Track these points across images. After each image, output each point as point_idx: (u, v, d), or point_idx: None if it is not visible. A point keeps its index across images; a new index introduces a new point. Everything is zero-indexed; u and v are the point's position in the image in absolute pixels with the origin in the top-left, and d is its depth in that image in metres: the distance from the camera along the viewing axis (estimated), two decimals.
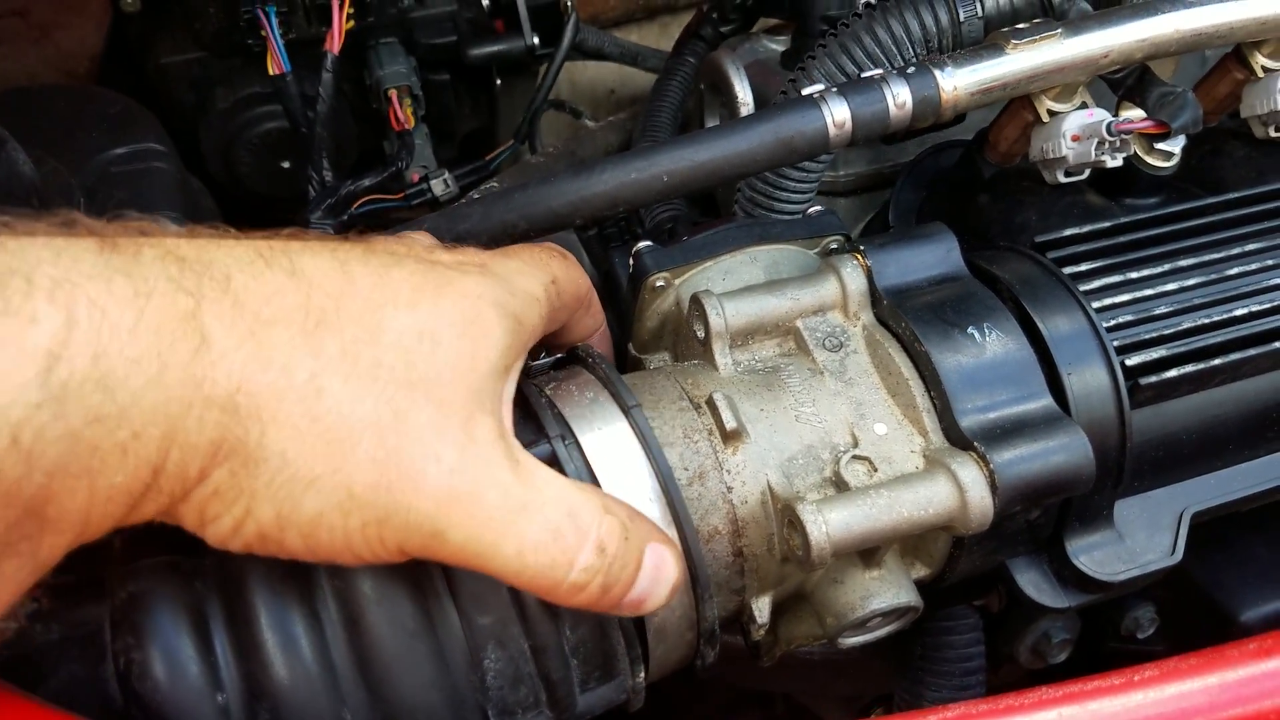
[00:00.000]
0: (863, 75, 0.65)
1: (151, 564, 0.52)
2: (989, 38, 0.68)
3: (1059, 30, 0.66)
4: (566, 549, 0.47)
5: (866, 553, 0.59)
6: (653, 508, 0.55)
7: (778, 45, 0.92)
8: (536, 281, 0.55)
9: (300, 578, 0.51)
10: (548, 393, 0.59)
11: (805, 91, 0.65)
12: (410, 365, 0.46)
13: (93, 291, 0.39)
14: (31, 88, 1.09)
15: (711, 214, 0.94)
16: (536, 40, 1.08)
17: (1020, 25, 0.67)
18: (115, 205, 0.91)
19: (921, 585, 0.62)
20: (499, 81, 1.14)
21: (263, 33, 0.99)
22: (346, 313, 0.46)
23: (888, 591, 0.59)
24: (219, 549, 0.46)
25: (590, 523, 0.48)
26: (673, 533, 0.55)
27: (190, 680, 0.50)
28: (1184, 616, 0.75)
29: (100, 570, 0.52)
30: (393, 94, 1.03)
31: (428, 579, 0.51)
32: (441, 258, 0.53)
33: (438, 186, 1.02)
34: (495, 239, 0.67)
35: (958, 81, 0.64)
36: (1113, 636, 0.77)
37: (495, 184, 0.94)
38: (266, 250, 0.46)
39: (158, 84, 1.09)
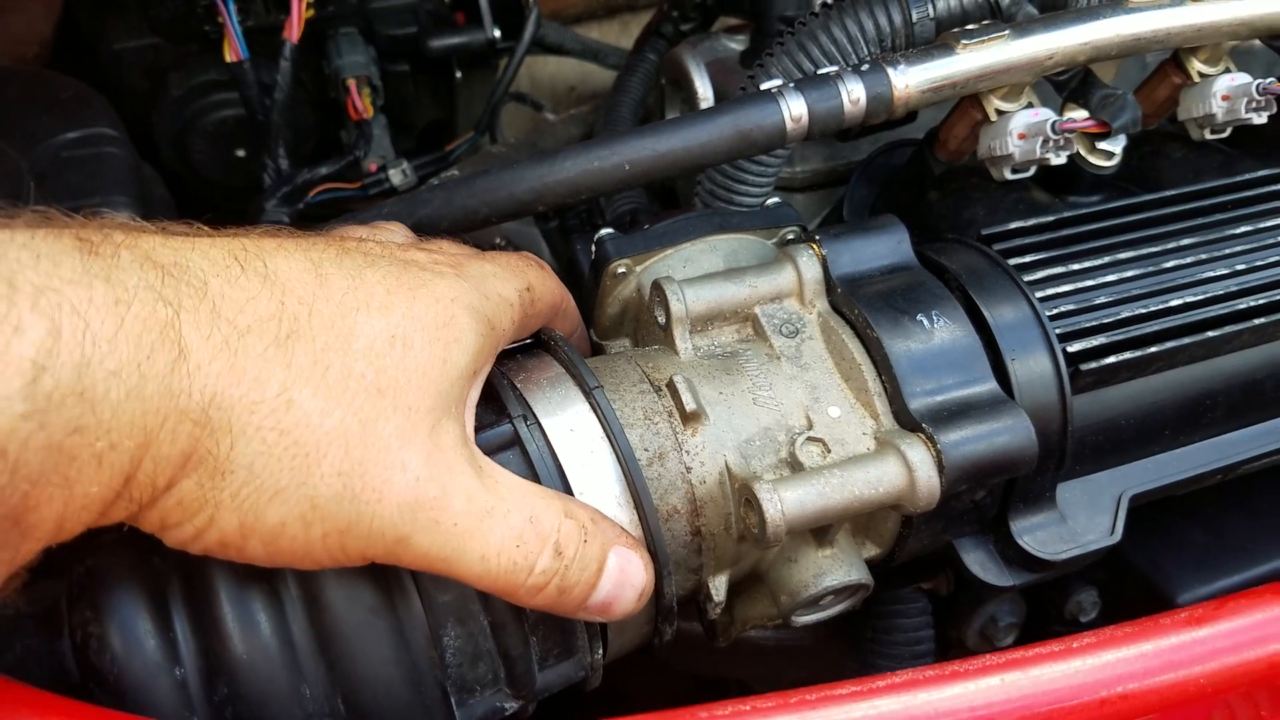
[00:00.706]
0: (819, 72, 0.67)
1: (110, 539, 0.52)
2: (940, 38, 0.70)
3: (1007, 32, 0.68)
4: (528, 554, 0.49)
5: (819, 531, 0.60)
6: (613, 487, 0.57)
7: (736, 44, 0.94)
8: (511, 287, 0.56)
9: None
10: (510, 375, 0.60)
11: (763, 86, 0.66)
12: (380, 371, 0.46)
13: (75, 298, 0.39)
14: None
15: (672, 206, 0.96)
16: (497, 33, 1.09)
17: (970, 26, 0.69)
18: (66, 190, 0.91)
19: (872, 564, 0.64)
20: (459, 74, 1.14)
21: (220, 19, 0.98)
22: (319, 318, 0.46)
23: (839, 569, 0.60)
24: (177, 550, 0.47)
25: (551, 527, 0.50)
26: (633, 511, 0.56)
27: (147, 655, 0.49)
28: (1124, 600, 0.78)
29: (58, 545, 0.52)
30: (351, 84, 1.03)
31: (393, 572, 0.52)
32: (416, 257, 0.53)
33: (395, 176, 1.02)
34: (456, 224, 0.68)
35: (909, 79, 0.66)
36: (1057, 620, 0.80)
37: (456, 172, 0.95)
38: (241, 253, 0.46)
39: (110, 70, 1.08)
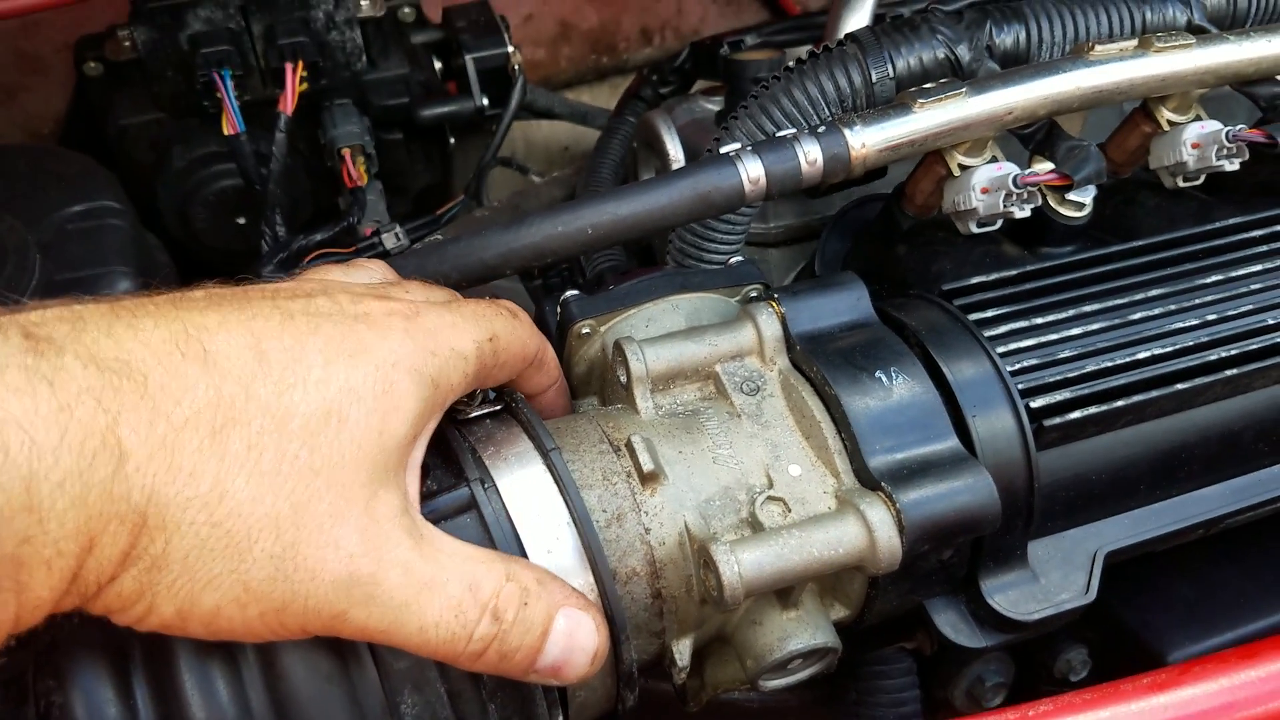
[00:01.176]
0: (777, 134, 0.68)
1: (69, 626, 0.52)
2: (898, 97, 0.71)
3: (964, 89, 0.69)
4: (466, 622, 0.49)
5: (783, 593, 0.60)
6: (570, 550, 0.57)
7: (713, 105, 0.96)
8: (468, 338, 0.55)
9: None
10: (470, 437, 0.60)
11: (723, 150, 0.67)
12: (314, 450, 0.47)
13: (19, 411, 0.40)
14: None
15: (650, 263, 0.96)
16: (486, 101, 1.11)
17: (927, 85, 0.70)
18: (70, 261, 0.94)
19: (841, 626, 0.63)
20: (452, 139, 1.17)
21: (218, 95, 1.02)
22: (256, 401, 0.46)
23: (805, 632, 0.60)
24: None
25: (490, 592, 0.50)
26: (589, 575, 0.56)
27: None
28: (1115, 658, 0.76)
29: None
30: (345, 153, 1.06)
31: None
32: (370, 309, 0.53)
33: (389, 240, 1.04)
34: None
35: (866, 139, 0.67)
36: (1046, 679, 0.78)
37: (439, 236, 0.97)
38: (183, 336, 0.47)
39: (118, 144, 1.11)
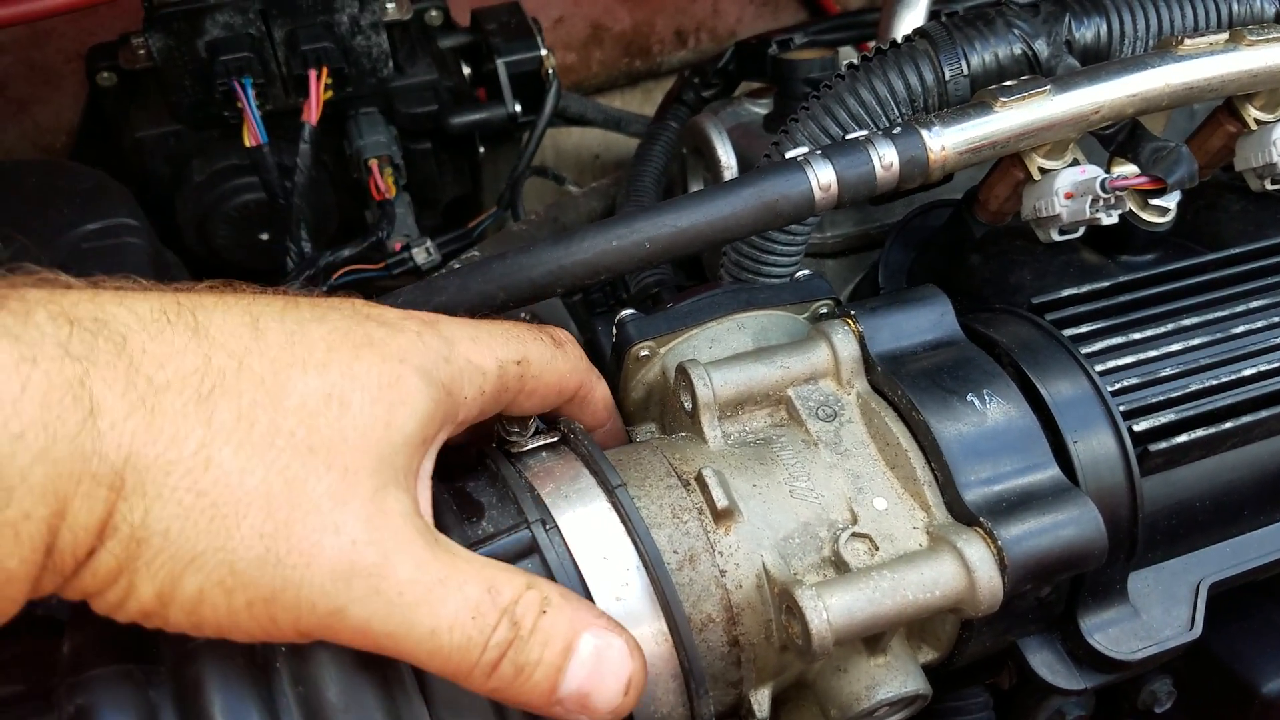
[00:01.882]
0: (848, 137, 0.63)
1: (102, 674, 0.48)
2: (976, 95, 0.66)
3: (1048, 87, 0.64)
4: (484, 627, 0.44)
5: (871, 639, 0.55)
6: (640, 594, 0.52)
7: (760, 109, 0.91)
8: (490, 354, 0.52)
9: (261, 685, 0.47)
10: (527, 474, 0.56)
11: (789, 154, 0.63)
12: (312, 430, 0.43)
13: None
14: (3, 163, 1.08)
15: (698, 278, 0.92)
16: (518, 108, 1.07)
17: (1008, 82, 0.65)
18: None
19: (929, 669, 0.59)
20: (482, 149, 1.13)
21: (239, 105, 0.98)
22: (248, 374, 0.43)
23: (894, 679, 0.55)
24: (124, 623, 0.44)
25: (510, 597, 0.45)
26: (662, 621, 0.52)
27: None
28: (1203, 689, 0.72)
29: (48, 680, 0.49)
30: (373, 164, 1.02)
31: (399, 684, 0.48)
32: (384, 314, 0.50)
33: (419, 255, 1.00)
34: (473, 310, 0.65)
35: (945, 141, 0.62)
36: (1130, 712, 0.73)
37: (476, 252, 0.93)
38: (173, 306, 0.44)
39: (134, 157, 1.07)
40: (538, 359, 0.54)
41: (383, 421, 0.45)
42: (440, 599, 0.44)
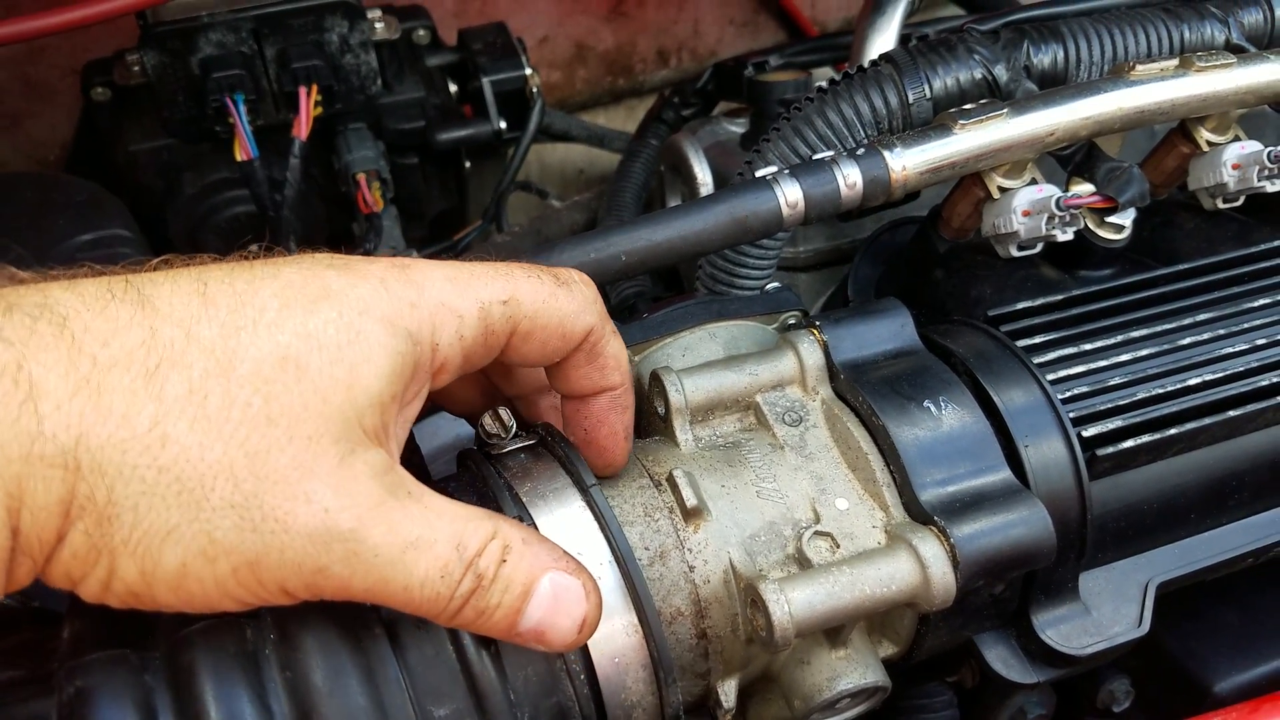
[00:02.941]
0: (814, 157, 0.67)
1: (99, 658, 0.50)
2: (937, 118, 0.69)
3: (1005, 110, 0.68)
4: (451, 582, 0.46)
5: (832, 632, 0.58)
6: (611, 588, 0.54)
7: (737, 127, 0.94)
8: (468, 295, 0.48)
9: (251, 671, 0.50)
10: (505, 474, 0.58)
11: (759, 173, 0.66)
12: (270, 399, 0.42)
13: None
14: None
15: (676, 288, 0.95)
16: (503, 125, 1.10)
17: (967, 106, 0.68)
18: None
19: (890, 663, 0.61)
20: (468, 163, 1.15)
21: (230, 120, 1.00)
22: (198, 343, 0.42)
23: (855, 671, 0.58)
24: (117, 609, 0.45)
25: (475, 550, 0.46)
26: (632, 615, 0.54)
27: None
28: (1159, 688, 0.74)
29: (48, 665, 0.51)
30: (360, 178, 1.05)
31: (381, 668, 0.50)
32: (347, 263, 0.47)
33: None
34: None
35: (906, 161, 0.65)
36: (1089, 711, 0.76)
37: None
38: (120, 284, 0.43)
39: (127, 170, 1.10)
40: (530, 297, 0.50)
41: (344, 383, 0.44)
42: (414, 559, 0.45)
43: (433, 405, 0.59)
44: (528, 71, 1.10)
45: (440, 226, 1.21)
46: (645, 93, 1.37)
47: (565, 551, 0.50)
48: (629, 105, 1.38)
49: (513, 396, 0.61)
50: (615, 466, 0.58)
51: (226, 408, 0.42)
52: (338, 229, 1.13)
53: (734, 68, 0.98)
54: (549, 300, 0.51)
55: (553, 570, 0.48)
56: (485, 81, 1.09)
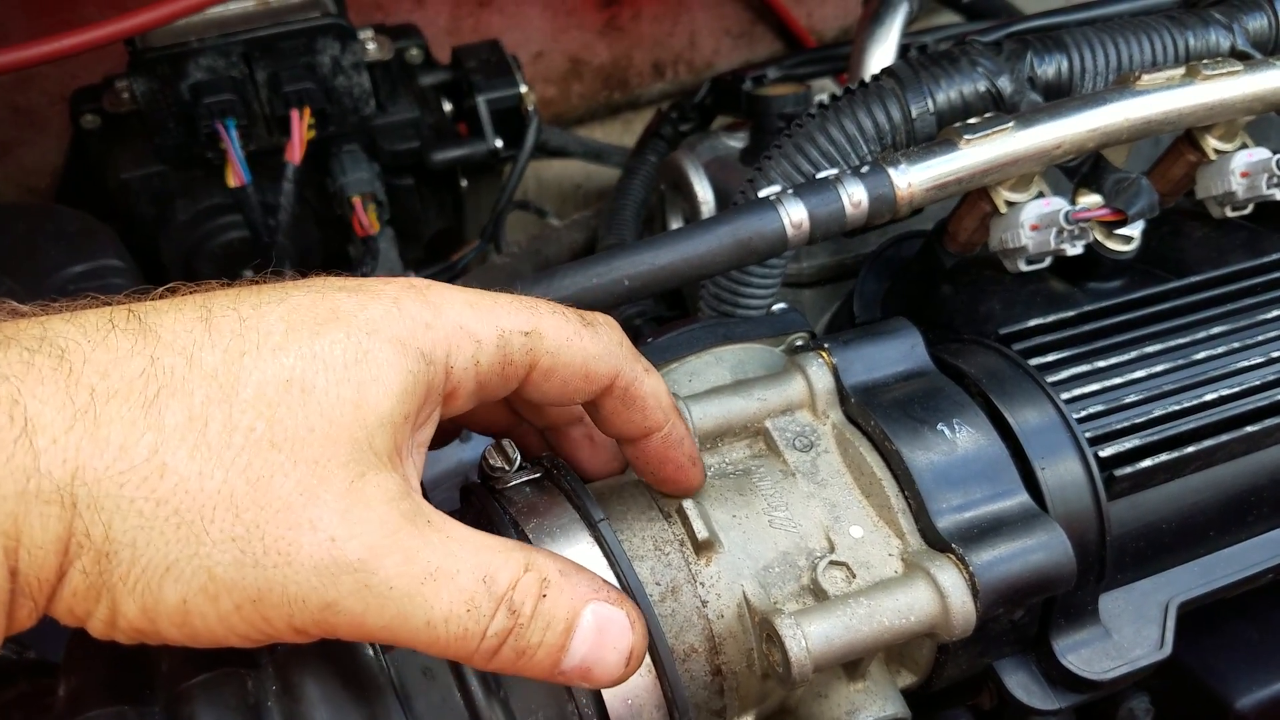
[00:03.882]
0: (818, 176, 0.65)
1: (98, 715, 0.49)
2: (942, 133, 0.68)
3: (1010, 124, 0.66)
4: (480, 618, 0.43)
5: (850, 664, 0.56)
6: None
7: (736, 142, 0.93)
8: (488, 321, 0.47)
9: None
10: (511, 510, 0.57)
11: (762, 193, 0.65)
12: (273, 422, 0.41)
13: None
14: None
15: (679, 308, 0.94)
16: (499, 143, 1.09)
17: (972, 120, 0.67)
18: None
19: (909, 693, 0.60)
20: (465, 183, 1.14)
21: (222, 146, 0.99)
22: (200, 370, 0.41)
23: (874, 704, 0.56)
24: (125, 647, 0.43)
25: (506, 584, 0.44)
26: (646, 654, 0.53)
27: None
28: (1179, 706, 0.73)
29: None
30: (356, 201, 1.03)
31: (387, 717, 0.49)
32: (361, 285, 0.46)
33: None
34: None
35: (912, 178, 0.64)
36: None
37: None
38: (122, 314, 0.42)
39: (118, 198, 1.08)
40: (554, 334, 0.48)
41: (351, 403, 0.42)
42: (434, 592, 0.42)
43: (455, 427, 0.57)
44: (523, 89, 1.09)
45: (437, 247, 1.19)
46: (642, 106, 1.37)
47: (604, 580, 0.48)
48: (625, 119, 1.37)
49: (543, 428, 0.59)
50: (692, 490, 0.57)
51: (228, 433, 0.40)
52: (333, 252, 1.12)
53: (732, 82, 0.97)
54: (573, 339, 0.49)
55: (594, 601, 0.46)
56: (480, 100, 1.08)
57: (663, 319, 0.89)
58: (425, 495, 0.59)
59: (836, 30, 1.42)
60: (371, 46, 1.05)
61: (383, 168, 1.08)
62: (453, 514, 0.58)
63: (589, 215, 1.06)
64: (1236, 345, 0.65)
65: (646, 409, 0.52)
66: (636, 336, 0.70)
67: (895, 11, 0.87)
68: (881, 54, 0.88)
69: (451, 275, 1.07)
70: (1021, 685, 0.62)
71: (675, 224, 0.95)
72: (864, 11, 0.89)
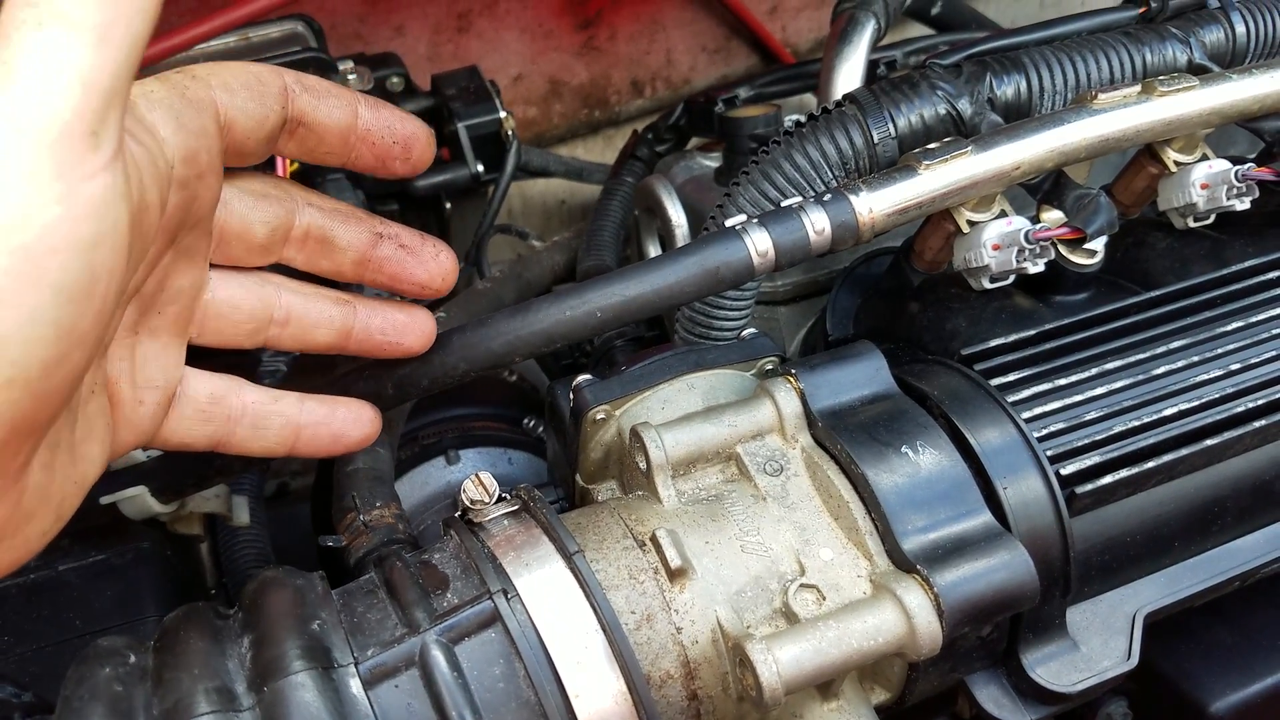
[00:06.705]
0: (782, 205, 0.67)
1: None
2: (902, 159, 0.70)
3: (969, 148, 0.68)
4: None
5: (824, 685, 0.58)
6: (599, 656, 0.55)
7: (711, 161, 0.94)
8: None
9: None
10: (490, 544, 0.59)
11: (728, 223, 0.66)
12: None
13: None
14: None
15: (659, 327, 0.95)
16: (481, 168, 1.10)
17: (931, 145, 0.69)
18: None
19: (882, 709, 0.61)
20: (449, 206, 1.16)
21: None
22: None
23: None
24: None
25: None
26: (621, 682, 0.54)
27: None
28: (1156, 710, 0.75)
29: None
30: None
31: None
32: None
33: None
34: (435, 382, 0.68)
35: (873, 204, 0.66)
36: None
37: (443, 314, 0.96)
38: None
39: None
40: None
41: None
42: None
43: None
44: (502, 114, 1.10)
45: None
46: (622, 123, 1.38)
47: None
48: (606, 135, 1.39)
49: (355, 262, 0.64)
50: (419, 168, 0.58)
51: None
52: (319, 280, 1.13)
53: (705, 103, 0.98)
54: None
55: None
56: (460, 126, 1.09)
57: (643, 339, 0.91)
58: (411, 526, 0.60)
59: (811, 43, 1.44)
60: (352, 78, 1.06)
61: (367, 195, 1.09)
62: (435, 548, 0.60)
63: (570, 237, 1.08)
64: (1196, 359, 0.66)
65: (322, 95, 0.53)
66: (611, 364, 0.72)
67: (862, 30, 0.89)
68: (849, 72, 0.89)
69: (436, 299, 1.08)
70: (993, 699, 0.63)
71: (651, 247, 0.96)
72: (831, 30, 0.90)
